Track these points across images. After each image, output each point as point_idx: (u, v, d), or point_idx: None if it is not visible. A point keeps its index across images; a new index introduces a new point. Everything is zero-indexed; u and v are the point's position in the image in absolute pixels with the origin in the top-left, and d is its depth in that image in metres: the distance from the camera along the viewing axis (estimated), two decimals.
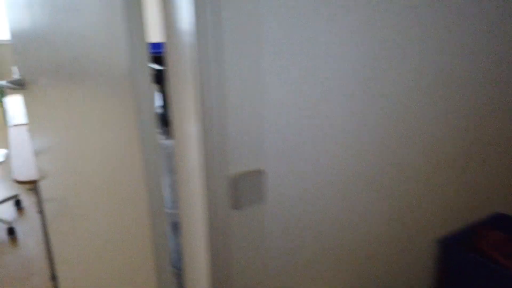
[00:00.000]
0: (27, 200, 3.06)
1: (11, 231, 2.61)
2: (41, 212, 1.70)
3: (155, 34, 0.98)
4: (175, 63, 0.61)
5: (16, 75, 3.85)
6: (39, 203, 1.68)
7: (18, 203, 2.97)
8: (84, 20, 0.80)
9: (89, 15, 0.78)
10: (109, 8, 0.68)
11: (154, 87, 0.75)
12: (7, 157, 2.62)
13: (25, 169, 1.65)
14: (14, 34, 1.38)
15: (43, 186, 1.56)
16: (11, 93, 3.76)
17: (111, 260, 1.04)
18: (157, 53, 0.84)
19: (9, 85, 1.32)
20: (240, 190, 0.53)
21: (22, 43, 1.30)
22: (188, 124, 0.59)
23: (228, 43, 0.51)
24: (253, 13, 0.52)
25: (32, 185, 1.88)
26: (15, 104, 2.70)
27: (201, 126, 0.53)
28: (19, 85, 1.35)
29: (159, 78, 0.84)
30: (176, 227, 0.86)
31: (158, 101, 0.96)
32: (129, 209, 0.83)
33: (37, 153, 1.49)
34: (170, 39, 0.61)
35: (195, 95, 0.53)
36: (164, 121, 0.89)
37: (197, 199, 0.59)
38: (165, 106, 0.87)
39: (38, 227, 2.72)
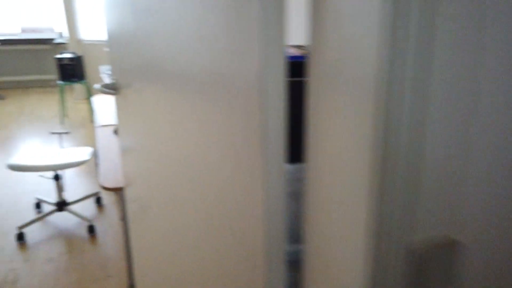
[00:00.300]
0: (108, 198, 3.12)
1: (91, 229, 2.66)
2: (123, 219, 1.64)
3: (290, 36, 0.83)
4: (329, 72, 0.45)
5: (103, 74, 3.99)
6: (123, 210, 1.63)
7: (98, 200, 3.04)
8: (198, 21, 0.67)
9: (205, 15, 0.65)
10: (237, 4, 0.54)
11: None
12: (93, 155, 2.68)
13: (112, 175, 1.61)
14: (111, 37, 1.33)
15: (130, 192, 1.49)
16: (99, 93, 3.88)
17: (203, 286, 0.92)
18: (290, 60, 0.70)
19: (103, 89, 1.26)
20: (425, 268, 0.37)
21: (118, 46, 1.24)
22: (344, 154, 0.43)
23: (440, 45, 0.34)
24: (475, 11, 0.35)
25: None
26: (103, 104, 2.75)
27: (379, 163, 0.37)
28: (112, 89, 1.29)
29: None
30: (289, 265, 0.71)
31: None
32: (238, 236, 0.69)
33: (125, 160, 1.43)
34: (323, 41, 0.46)
35: (372, 116, 0.37)
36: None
37: (351, 262, 0.43)
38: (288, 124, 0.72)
39: (117, 226, 2.74)
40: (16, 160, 2.55)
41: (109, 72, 3.79)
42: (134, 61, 1.10)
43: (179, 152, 0.88)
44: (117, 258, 2.42)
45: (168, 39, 0.79)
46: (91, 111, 5.02)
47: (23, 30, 6.22)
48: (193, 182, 0.84)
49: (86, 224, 2.75)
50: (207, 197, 0.79)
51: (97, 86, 1.26)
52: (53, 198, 3.08)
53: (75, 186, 3.30)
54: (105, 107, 2.67)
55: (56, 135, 4.29)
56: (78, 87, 5.64)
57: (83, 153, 2.68)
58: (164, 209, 1.10)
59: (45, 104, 5.57)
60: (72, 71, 4.70)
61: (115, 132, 2.15)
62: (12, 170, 2.47)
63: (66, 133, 4.25)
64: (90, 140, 4.28)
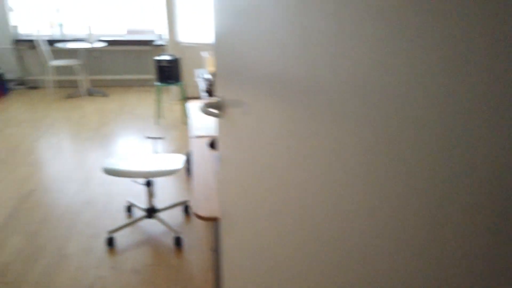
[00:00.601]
0: None
1: (178, 241, 2.55)
2: (215, 250, 1.45)
3: None
4: None
5: (198, 78, 3.92)
6: (215, 241, 1.44)
7: (186, 209, 2.95)
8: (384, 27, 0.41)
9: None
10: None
11: None
12: (186, 163, 2.57)
13: (206, 202, 1.42)
14: (218, 48, 1.13)
15: (227, 223, 1.29)
16: (196, 98, 3.83)
17: None
18: None
19: (206, 109, 1.06)
20: None
21: (228, 58, 1.03)
22: None
23: None
24: None
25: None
26: (197, 111, 2.63)
27: None
28: (217, 109, 1.08)
29: None
30: None
31: None
32: None
33: (224, 190, 1.23)
34: None
35: None
36: None
37: None
38: None
39: (205, 241, 2.61)
40: (111, 164, 2.54)
41: (204, 76, 3.72)
42: (249, 77, 0.88)
43: (319, 195, 0.63)
44: (202, 279, 2.28)
45: (319, 52, 0.54)
46: (184, 112, 5.07)
47: (129, 32, 6.54)
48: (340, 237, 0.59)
49: (173, 234, 2.66)
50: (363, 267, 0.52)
51: (199, 104, 1.06)
52: (143, 202, 3.06)
53: (164, 191, 3.26)
54: (200, 116, 2.55)
55: (151, 139, 4.36)
56: (173, 88, 5.75)
57: (176, 161, 2.59)
58: (279, 251, 0.86)
59: (143, 103, 5.77)
60: (169, 73, 4.77)
61: (211, 145, 1.99)
62: (107, 174, 2.45)
63: (160, 138, 4.29)
64: (181, 142, 4.28)
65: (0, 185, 3.36)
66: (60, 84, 6.60)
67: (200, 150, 1.97)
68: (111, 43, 6.39)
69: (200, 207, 1.39)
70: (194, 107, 2.71)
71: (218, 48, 1.14)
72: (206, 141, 2.07)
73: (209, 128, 2.26)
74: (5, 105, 5.64)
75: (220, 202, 1.25)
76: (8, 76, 6.37)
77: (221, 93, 1.12)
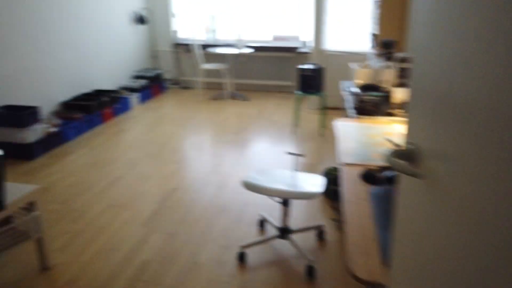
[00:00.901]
0: (332, 234, 2.78)
1: (310, 271, 2.35)
2: None
3: None
4: None
5: (345, 92, 3.65)
6: None
7: (320, 234, 2.73)
8: None
9: None
10: None
11: None
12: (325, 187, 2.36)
13: (364, 258, 1.17)
14: (418, 70, 0.87)
15: None
16: (338, 115, 3.58)
17: None
18: None
19: (394, 160, 0.81)
20: None
21: (432, 84, 0.77)
22: None
23: None
24: None
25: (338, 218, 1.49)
26: (346, 132, 2.38)
27: None
28: (407, 160, 0.83)
29: None
30: None
31: None
32: None
33: (403, 253, 0.97)
34: None
35: None
36: None
37: None
38: None
39: (340, 272, 2.36)
40: (251, 178, 2.45)
41: (352, 90, 3.44)
42: (467, 118, 0.61)
43: None
44: None
45: None
46: (322, 123, 4.86)
47: (275, 38, 6.62)
48: None
49: (306, 262, 2.47)
50: None
51: (383, 151, 0.82)
52: (276, 219, 2.94)
53: (298, 210, 3.09)
54: (349, 137, 2.29)
55: (290, 154, 4.26)
56: (313, 97, 5.59)
57: (316, 183, 2.39)
58: None
59: (280, 110, 5.75)
60: (311, 82, 4.61)
61: (364, 177, 1.73)
62: (246, 189, 2.38)
63: (301, 155, 4.16)
64: (318, 156, 4.08)
65: (151, 180, 3.61)
66: (208, 86, 7.02)
67: (351, 183, 1.72)
68: (257, 49, 6.54)
69: (357, 264, 1.15)
70: (344, 127, 2.46)
71: (417, 72, 0.88)
72: (358, 172, 1.81)
73: (360, 154, 1.99)
74: (161, 102, 6.21)
75: (394, 269, 0.99)
76: (166, 75, 7.02)
77: (414, 137, 0.86)
